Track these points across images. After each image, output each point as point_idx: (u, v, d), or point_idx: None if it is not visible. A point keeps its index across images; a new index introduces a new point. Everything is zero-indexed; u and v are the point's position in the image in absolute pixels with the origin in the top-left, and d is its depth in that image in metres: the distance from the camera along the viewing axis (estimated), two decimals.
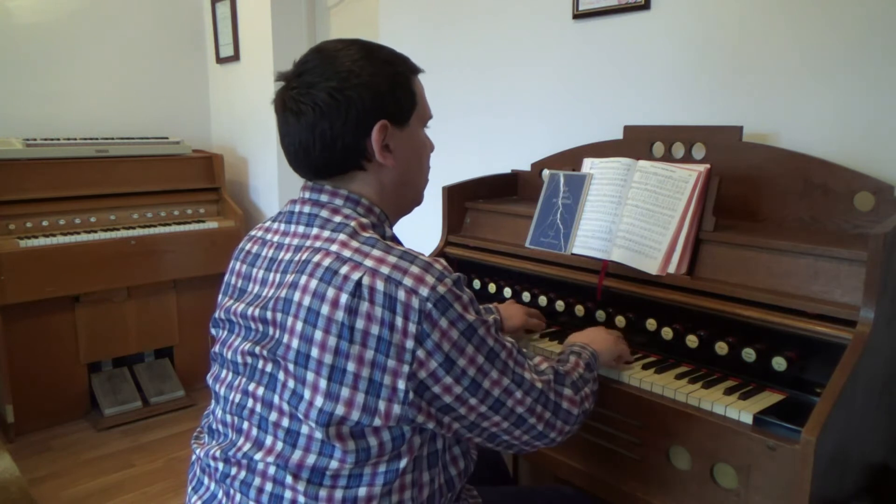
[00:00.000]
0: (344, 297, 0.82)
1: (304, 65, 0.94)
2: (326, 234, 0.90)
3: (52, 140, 2.84)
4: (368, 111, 0.92)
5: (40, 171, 2.69)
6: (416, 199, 1.06)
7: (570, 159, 1.72)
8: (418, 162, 1.03)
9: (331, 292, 0.82)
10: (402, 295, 0.81)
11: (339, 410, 0.82)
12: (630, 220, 1.36)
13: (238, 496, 0.90)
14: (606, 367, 1.20)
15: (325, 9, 3.09)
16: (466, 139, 2.29)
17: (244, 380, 0.92)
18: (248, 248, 1.01)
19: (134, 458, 2.54)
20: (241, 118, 3.34)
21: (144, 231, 2.83)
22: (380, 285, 0.82)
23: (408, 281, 0.82)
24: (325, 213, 0.93)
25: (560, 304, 1.46)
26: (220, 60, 3.41)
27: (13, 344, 2.60)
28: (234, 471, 0.91)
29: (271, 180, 3.19)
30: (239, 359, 0.93)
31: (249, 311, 0.92)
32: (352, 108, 0.91)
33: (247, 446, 0.90)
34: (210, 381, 1.01)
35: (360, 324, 0.81)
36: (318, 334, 0.82)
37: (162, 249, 2.87)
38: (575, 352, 1.11)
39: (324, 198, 0.94)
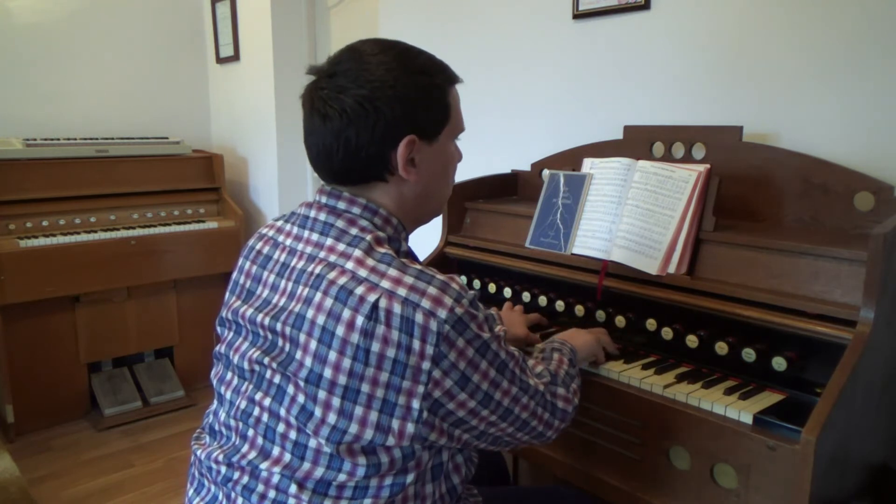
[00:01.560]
0: (360, 320, 0.80)
1: (337, 65, 0.91)
2: (341, 247, 0.88)
3: (52, 140, 2.84)
4: (397, 124, 0.89)
5: (40, 171, 2.69)
6: (437, 211, 1.04)
7: (570, 159, 1.72)
8: (444, 176, 1.00)
9: (346, 313, 0.81)
10: (419, 318, 0.80)
11: (353, 429, 0.82)
12: (630, 220, 1.36)
13: (240, 500, 0.90)
14: (587, 360, 1.23)
15: (325, 9, 3.09)
16: (466, 139, 2.28)
17: (251, 387, 0.91)
18: (258, 247, 0.99)
19: (134, 458, 2.54)
20: (241, 118, 3.34)
21: (144, 231, 2.83)
22: (397, 308, 0.80)
23: (425, 303, 0.81)
24: (341, 224, 0.90)
25: (560, 304, 1.46)
26: (220, 60, 3.41)
27: (13, 344, 2.60)
28: (236, 475, 0.91)
29: (271, 180, 3.19)
30: (246, 365, 0.92)
31: (259, 318, 0.91)
32: (380, 120, 0.88)
33: (252, 454, 0.90)
34: (214, 380, 1.00)
35: (375, 347, 0.80)
36: (333, 355, 0.81)
37: (162, 249, 2.87)
38: (556, 348, 1.13)
39: (341, 205, 0.92)
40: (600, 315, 1.38)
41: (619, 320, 1.34)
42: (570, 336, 1.21)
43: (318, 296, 0.84)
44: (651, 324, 1.29)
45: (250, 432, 0.91)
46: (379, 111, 0.88)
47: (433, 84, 0.93)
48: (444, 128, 0.96)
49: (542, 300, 1.49)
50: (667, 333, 1.26)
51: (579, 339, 1.20)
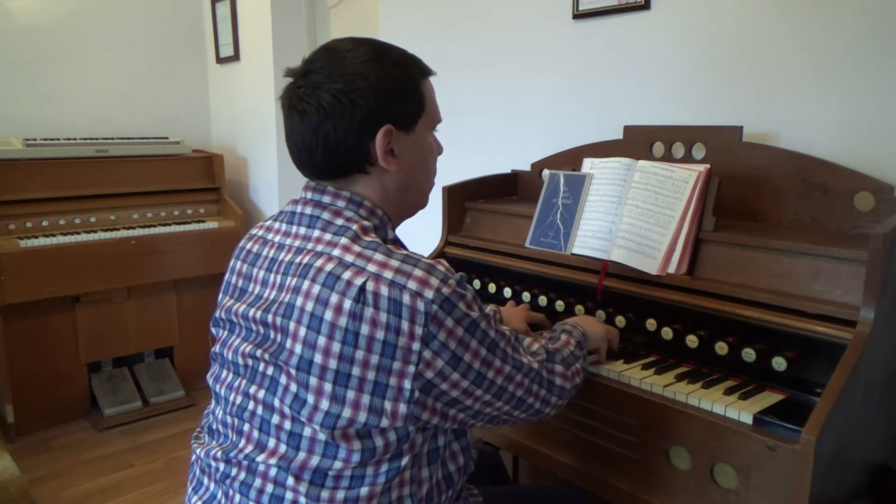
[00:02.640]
0: (348, 303, 0.81)
1: (312, 63, 0.93)
2: (328, 237, 0.89)
3: (52, 140, 2.84)
4: (373, 115, 0.91)
5: (40, 171, 2.69)
6: (421, 203, 1.05)
7: (570, 159, 1.72)
8: (423, 167, 1.02)
9: (334, 298, 0.82)
10: (406, 299, 0.81)
11: (346, 413, 0.82)
12: (630, 220, 1.36)
13: (238, 497, 0.90)
14: (596, 347, 1.24)
15: (325, 9, 3.10)
16: (466, 139, 2.29)
17: (245, 381, 0.92)
18: (248, 247, 1.00)
19: (134, 458, 2.54)
20: (241, 118, 3.34)
21: (144, 231, 2.83)
22: (384, 290, 0.81)
23: (412, 284, 0.82)
24: (326, 216, 0.92)
25: (560, 304, 1.46)
26: (220, 60, 3.41)
27: (13, 344, 2.60)
28: (234, 472, 0.91)
29: (271, 180, 3.19)
30: (240, 360, 0.93)
31: (251, 313, 0.92)
32: (356, 112, 0.90)
33: (248, 448, 0.90)
34: (210, 380, 1.01)
35: (364, 329, 0.81)
36: (322, 340, 0.82)
37: (162, 249, 2.87)
38: (566, 330, 1.15)
39: (326, 199, 0.94)
40: (600, 315, 1.38)
41: (619, 320, 1.34)
42: (583, 321, 1.23)
43: (307, 284, 0.85)
44: (651, 324, 1.29)
45: (246, 427, 0.91)
46: (355, 103, 0.89)
47: (407, 75, 0.95)
48: (419, 118, 0.97)
49: (542, 300, 1.49)
50: (667, 333, 1.26)
51: (590, 327, 1.22)
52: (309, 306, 0.84)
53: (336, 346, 0.82)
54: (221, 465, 0.93)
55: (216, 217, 3.15)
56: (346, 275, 0.83)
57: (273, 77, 3.04)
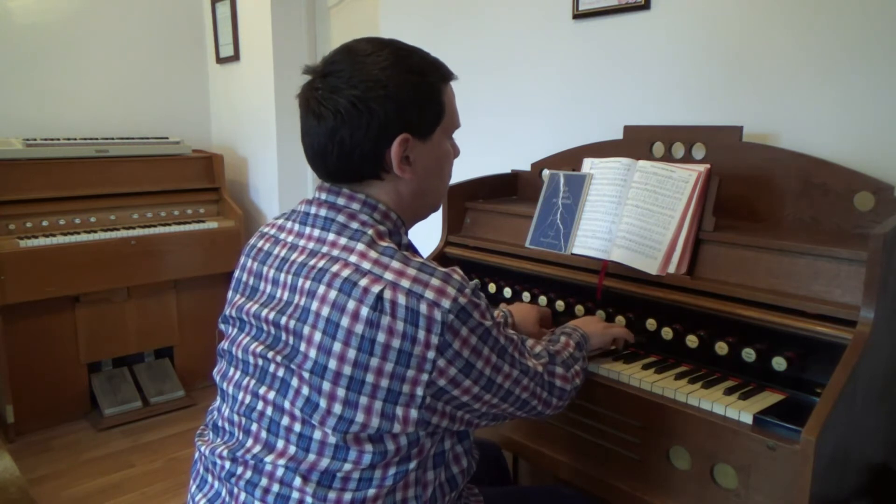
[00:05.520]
0: (364, 310, 0.81)
1: (331, 65, 0.92)
2: (343, 241, 0.89)
3: (52, 140, 2.84)
4: (390, 123, 0.90)
5: (40, 171, 2.70)
6: (434, 207, 1.05)
7: (570, 159, 1.72)
8: (438, 172, 1.00)
9: (351, 304, 0.82)
10: (423, 308, 0.81)
11: (359, 418, 0.82)
12: (630, 220, 1.36)
13: (243, 495, 0.90)
14: (598, 349, 1.25)
15: (325, 9, 3.10)
16: (466, 139, 2.28)
17: (254, 381, 0.92)
18: (259, 245, 1.00)
19: (134, 458, 2.54)
20: (241, 118, 3.34)
21: (144, 231, 2.84)
22: (401, 299, 0.81)
23: (429, 294, 0.82)
24: (341, 218, 0.91)
25: (560, 304, 1.46)
26: (220, 60, 3.41)
27: (13, 344, 2.60)
28: (240, 470, 0.91)
29: (271, 180, 3.19)
30: (250, 359, 0.93)
31: (263, 314, 0.91)
32: (373, 120, 0.89)
33: (256, 448, 0.90)
34: (217, 377, 1.01)
35: (381, 337, 0.81)
36: (338, 346, 0.82)
37: (162, 249, 2.87)
38: (566, 332, 1.16)
39: (341, 201, 0.93)
40: (600, 315, 1.38)
41: (619, 320, 1.34)
42: (583, 323, 1.24)
43: (322, 288, 0.85)
44: (651, 324, 1.29)
45: (254, 427, 0.91)
46: (372, 111, 0.88)
47: (426, 83, 0.93)
48: (437, 125, 0.96)
49: (542, 300, 1.49)
50: (667, 333, 1.26)
51: (590, 328, 1.23)
52: (325, 311, 0.83)
53: (351, 353, 0.81)
54: (227, 464, 0.93)
55: (216, 217, 3.15)
56: (364, 282, 0.83)
57: (273, 77, 3.04)
